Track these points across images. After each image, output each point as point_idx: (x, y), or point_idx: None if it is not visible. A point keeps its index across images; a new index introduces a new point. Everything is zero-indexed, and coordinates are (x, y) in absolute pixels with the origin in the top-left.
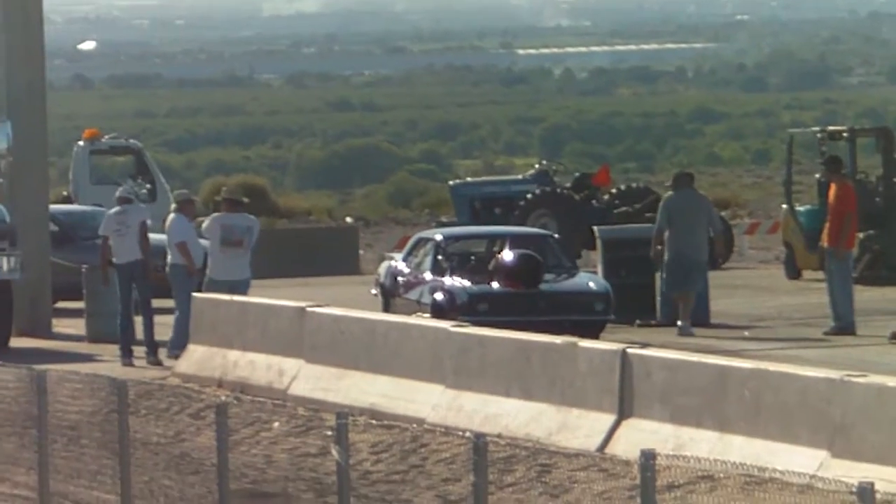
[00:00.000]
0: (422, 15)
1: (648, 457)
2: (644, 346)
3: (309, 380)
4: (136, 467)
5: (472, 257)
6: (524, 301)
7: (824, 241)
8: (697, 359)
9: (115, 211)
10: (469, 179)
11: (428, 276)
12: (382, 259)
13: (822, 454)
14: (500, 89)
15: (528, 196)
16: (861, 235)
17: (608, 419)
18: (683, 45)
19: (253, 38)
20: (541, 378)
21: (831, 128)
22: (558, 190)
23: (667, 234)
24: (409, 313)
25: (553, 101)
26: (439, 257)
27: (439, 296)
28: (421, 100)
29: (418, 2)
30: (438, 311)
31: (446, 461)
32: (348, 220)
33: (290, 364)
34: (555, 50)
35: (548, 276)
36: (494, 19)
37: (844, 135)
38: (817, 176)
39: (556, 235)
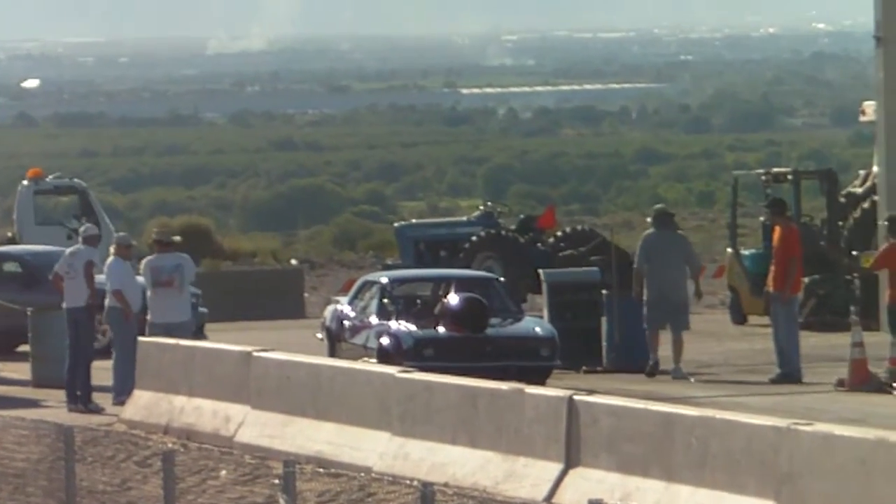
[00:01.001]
0: (366, 54)
1: None
2: (590, 392)
3: (255, 426)
4: None
5: (419, 301)
6: (470, 346)
7: (770, 286)
8: (643, 406)
9: (69, 251)
10: (414, 221)
11: (374, 319)
12: (328, 302)
13: None
14: (443, 129)
15: (474, 238)
16: (806, 280)
17: (555, 468)
18: (627, 85)
19: (197, 76)
20: (487, 425)
21: (776, 170)
22: (503, 232)
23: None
24: (355, 358)
25: (497, 141)
26: (385, 300)
27: (385, 340)
28: (365, 139)
29: (363, 41)
30: (384, 355)
31: None
32: (293, 262)
33: (237, 410)
34: (499, 89)
35: (494, 321)
36: (438, 58)
37: (789, 177)
38: (762, 219)
39: (502, 279)
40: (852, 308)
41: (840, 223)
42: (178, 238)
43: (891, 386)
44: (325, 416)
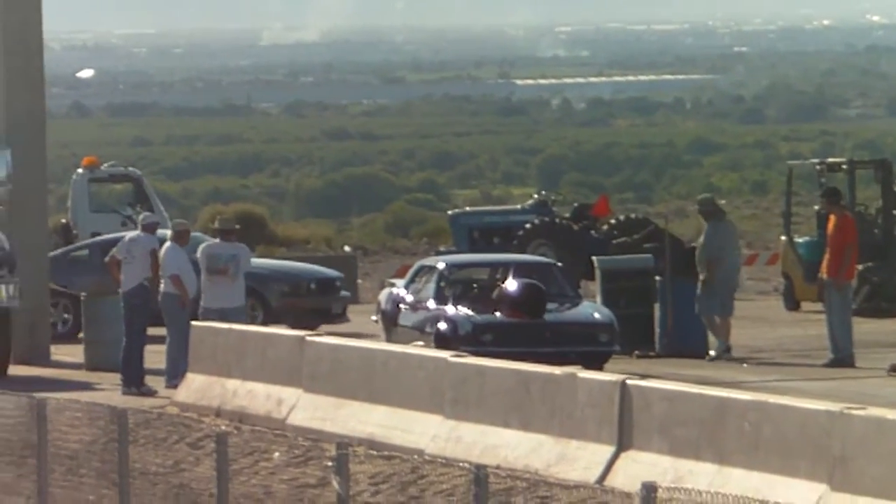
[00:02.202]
0: (420, 45)
1: (649, 489)
2: (643, 377)
3: (307, 409)
4: (134, 497)
5: (475, 286)
6: (529, 331)
7: (824, 273)
8: (696, 390)
9: (129, 237)
10: (468, 209)
11: (431, 304)
12: (384, 286)
13: (822, 487)
14: (497, 119)
15: (527, 226)
16: (860, 267)
17: (607, 451)
18: (681, 77)
19: (251, 66)
20: (540, 409)
21: (830, 160)
22: (557, 220)
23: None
24: (410, 341)
25: (551, 131)
26: (442, 285)
27: (443, 325)
28: (418, 129)
29: (416, 32)
30: (442, 340)
31: (445, 493)
32: (346, 248)
33: (289, 393)
34: (552, 80)
35: (551, 306)
36: (492, 49)
37: (843, 167)
38: (816, 207)
39: (559, 264)
40: None
41: (895, 212)
42: (237, 226)
43: None
44: (377, 399)
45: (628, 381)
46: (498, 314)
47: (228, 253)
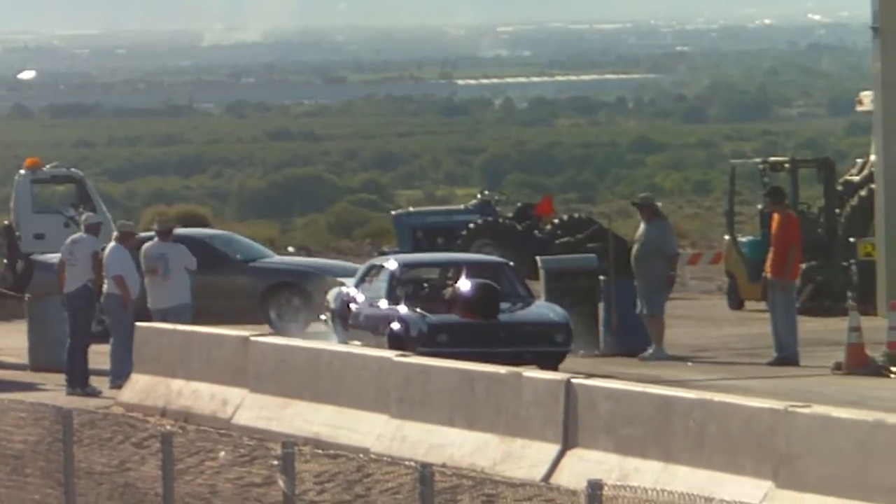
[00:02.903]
0: (361, 45)
1: (595, 487)
2: (588, 376)
3: (253, 409)
4: (80, 496)
5: (427, 285)
6: (483, 332)
7: (768, 272)
8: (641, 389)
9: (71, 239)
10: (411, 209)
11: (383, 304)
12: (332, 285)
13: (767, 485)
14: (439, 119)
15: (471, 226)
16: (804, 266)
17: (553, 449)
18: (623, 76)
19: (192, 67)
20: (485, 408)
21: (773, 159)
22: (500, 220)
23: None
24: (361, 341)
25: (493, 131)
26: (394, 284)
27: (396, 325)
28: (360, 130)
29: (358, 32)
30: (396, 340)
31: (391, 491)
32: (290, 249)
33: (234, 393)
34: (494, 80)
35: (504, 306)
36: (434, 50)
37: (786, 166)
38: (759, 207)
39: (511, 263)
40: (849, 293)
41: (837, 211)
42: (172, 228)
43: (888, 369)
44: (322, 398)
45: (573, 380)
46: (452, 314)
47: (158, 252)
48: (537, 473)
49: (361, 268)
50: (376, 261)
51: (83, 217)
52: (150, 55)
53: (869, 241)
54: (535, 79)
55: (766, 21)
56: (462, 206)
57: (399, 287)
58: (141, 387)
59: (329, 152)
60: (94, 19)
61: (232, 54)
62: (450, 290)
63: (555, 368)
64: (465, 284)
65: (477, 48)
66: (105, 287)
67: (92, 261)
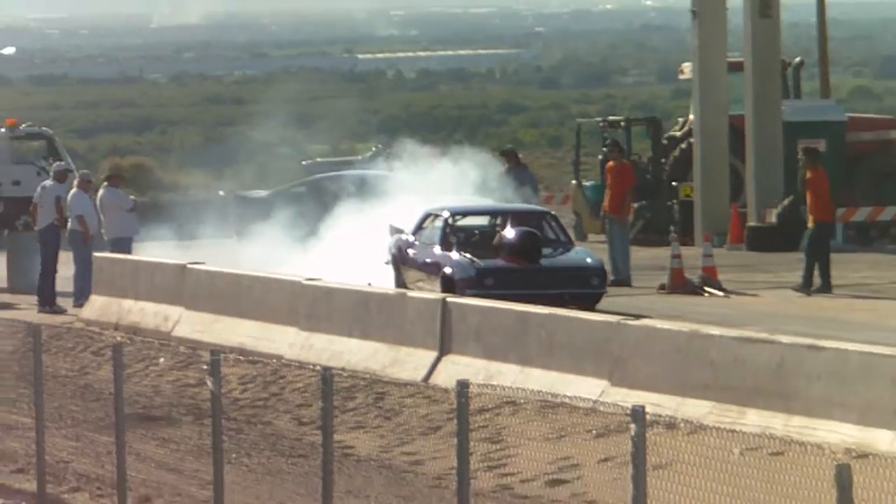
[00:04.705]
0: (282, 27)
1: (463, 386)
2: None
3: (189, 324)
4: (48, 396)
5: (476, 232)
6: (526, 275)
7: (606, 210)
8: (504, 305)
9: (42, 185)
10: (318, 159)
11: (437, 249)
12: (393, 231)
13: (604, 383)
14: (344, 86)
15: None
16: (636, 205)
17: (431, 355)
18: (492, 51)
19: (143, 45)
20: (377, 322)
21: (611, 118)
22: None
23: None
24: (418, 283)
25: (387, 96)
26: (447, 231)
27: (448, 269)
28: (280, 95)
29: (279, 16)
30: (448, 283)
31: (300, 390)
32: (220, 193)
33: (174, 311)
34: (388, 55)
35: (546, 251)
36: (340, 30)
37: (622, 124)
38: (600, 157)
39: (553, 212)
40: (672, 228)
41: (663, 160)
42: (112, 175)
43: (702, 289)
44: (245, 315)
45: (448, 299)
46: (498, 259)
47: (106, 196)
48: (419, 375)
49: (418, 216)
50: (431, 209)
51: (52, 167)
52: (109, 34)
53: (688, 184)
54: (420, 53)
55: (608, 6)
56: (359, 157)
57: (451, 234)
58: (98, 306)
59: (254, 114)
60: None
61: (176, 34)
62: (497, 237)
63: (592, 308)
64: (510, 232)
65: (374, 28)
66: (69, 224)
67: (56, 203)
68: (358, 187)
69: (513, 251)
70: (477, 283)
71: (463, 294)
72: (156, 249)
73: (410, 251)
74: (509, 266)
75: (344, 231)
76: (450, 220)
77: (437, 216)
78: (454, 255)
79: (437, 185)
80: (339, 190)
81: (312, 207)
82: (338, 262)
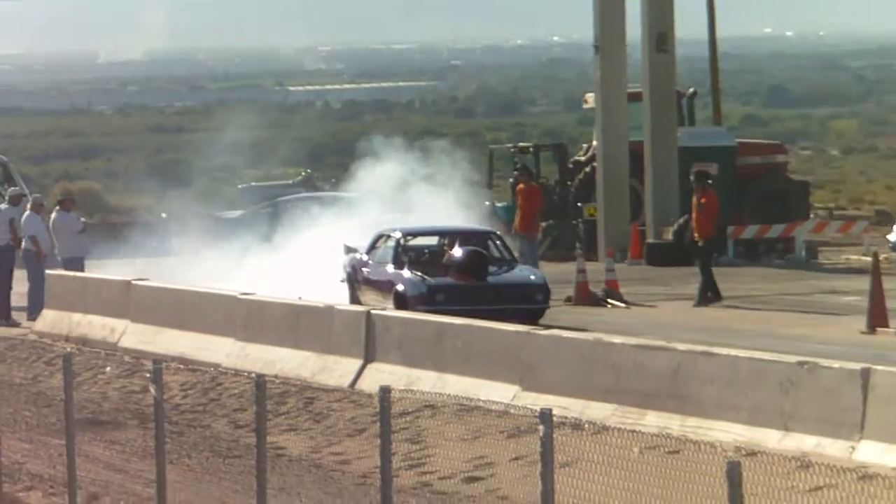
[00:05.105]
0: (218, 62)
1: (386, 391)
2: (384, 309)
3: (134, 335)
4: (3, 402)
5: (426, 252)
6: (475, 292)
7: (517, 228)
8: (423, 317)
9: None
10: (253, 183)
11: (389, 268)
12: (347, 251)
13: (515, 388)
14: (276, 117)
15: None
16: (544, 224)
17: (357, 363)
18: (412, 83)
19: (91, 78)
20: (307, 333)
21: (521, 144)
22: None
23: None
24: (371, 300)
25: (316, 125)
26: (399, 251)
27: (401, 287)
28: (216, 125)
29: (215, 52)
30: (400, 300)
31: (237, 395)
32: (163, 215)
33: (120, 324)
34: (317, 87)
35: (492, 269)
36: (271, 64)
37: (531, 149)
38: (511, 180)
39: (498, 232)
40: (578, 244)
41: (569, 183)
42: (62, 199)
43: (605, 301)
44: (186, 327)
45: (372, 311)
46: (448, 277)
47: (58, 218)
48: (345, 381)
49: (371, 237)
50: (384, 231)
51: (7, 192)
52: (59, 69)
53: (592, 205)
54: (346, 86)
55: (518, 42)
56: (290, 181)
57: (403, 253)
58: (50, 319)
59: (193, 142)
60: (18, 42)
61: (121, 69)
62: (446, 256)
63: (535, 323)
64: (458, 251)
65: (303, 63)
66: (23, 244)
67: (10, 225)
68: (319, 207)
69: (461, 269)
70: (428, 300)
71: (415, 310)
72: (104, 267)
73: (364, 270)
74: (458, 283)
75: (301, 247)
76: (401, 240)
77: (389, 236)
78: (406, 273)
79: (392, 206)
80: (301, 210)
81: (277, 226)
82: (292, 275)
